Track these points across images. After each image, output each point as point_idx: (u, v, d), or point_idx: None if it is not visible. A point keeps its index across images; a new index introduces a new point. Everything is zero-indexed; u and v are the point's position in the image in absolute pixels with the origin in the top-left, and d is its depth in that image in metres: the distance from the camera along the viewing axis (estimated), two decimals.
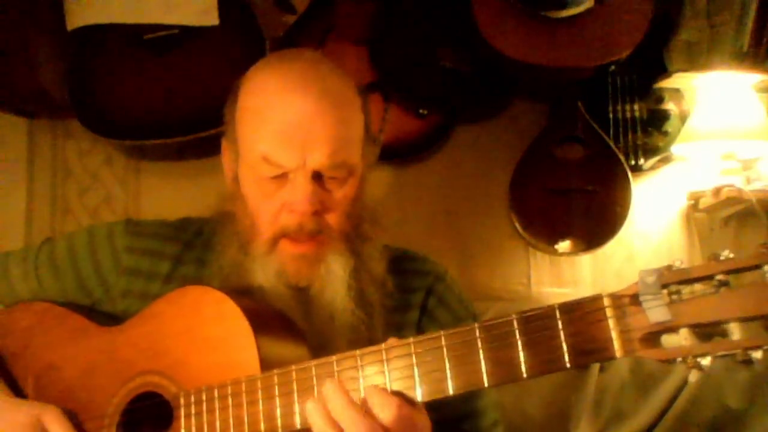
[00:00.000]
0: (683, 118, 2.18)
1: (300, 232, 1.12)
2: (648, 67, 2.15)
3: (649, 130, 2.20)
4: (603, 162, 2.17)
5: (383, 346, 0.94)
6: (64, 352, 1.19)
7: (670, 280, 0.80)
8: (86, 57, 2.05)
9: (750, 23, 2.02)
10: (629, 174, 2.15)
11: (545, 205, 2.18)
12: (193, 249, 1.27)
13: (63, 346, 1.20)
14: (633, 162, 2.18)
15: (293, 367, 0.97)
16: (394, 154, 2.17)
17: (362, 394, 0.93)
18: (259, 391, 0.99)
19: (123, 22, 2.03)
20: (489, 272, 2.25)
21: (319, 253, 1.14)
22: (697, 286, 0.80)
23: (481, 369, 0.88)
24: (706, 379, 1.95)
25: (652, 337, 0.82)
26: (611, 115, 2.19)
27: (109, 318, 1.22)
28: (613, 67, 2.15)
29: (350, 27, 2.12)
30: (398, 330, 1.20)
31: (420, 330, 1.25)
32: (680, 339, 0.80)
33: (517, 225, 2.20)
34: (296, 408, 0.96)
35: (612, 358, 0.83)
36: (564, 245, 2.17)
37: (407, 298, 1.26)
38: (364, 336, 1.14)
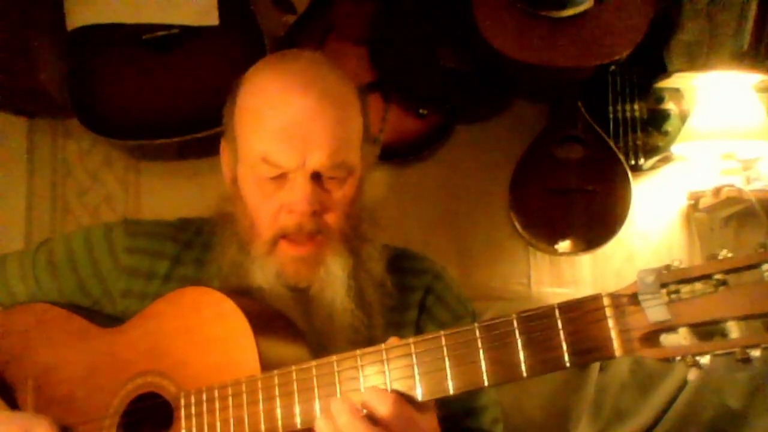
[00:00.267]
0: (683, 118, 2.18)
1: (299, 233, 1.12)
2: (648, 67, 2.15)
3: (649, 130, 2.20)
4: (603, 162, 2.17)
5: (383, 346, 0.94)
6: (64, 353, 1.19)
7: (669, 280, 0.81)
8: (86, 57, 2.05)
9: (750, 23, 2.02)
10: (629, 174, 2.15)
11: (545, 205, 2.18)
12: (192, 249, 1.26)
13: (62, 347, 1.19)
14: (633, 162, 2.18)
15: (293, 367, 0.97)
16: (394, 154, 2.17)
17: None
18: (260, 392, 0.99)
19: (123, 21, 2.02)
20: (489, 272, 2.24)
21: (318, 255, 1.14)
22: (696, 286, 0.80)
23: (481, 368, 0.88)
24: (706, 379, 1.95)
25: (652, 336, 0.82)
26: (611, 115, 2.19)
27: (108, 318, 1.22)
28: (613, 67, 2.16)
29: (350, 27, 2.12)
30: (397, 329, 1.20)
31: (419, 328, 1.25)
32: (679, 338, 0.81)
33: (517, 225, 2.20)
34: (296, 408, 0.96)
35: (611, 357, 0.83)
36: (564, 245, 2.17)
37: (406, 297, 1.26)
38: (364, 336, 1.14)
